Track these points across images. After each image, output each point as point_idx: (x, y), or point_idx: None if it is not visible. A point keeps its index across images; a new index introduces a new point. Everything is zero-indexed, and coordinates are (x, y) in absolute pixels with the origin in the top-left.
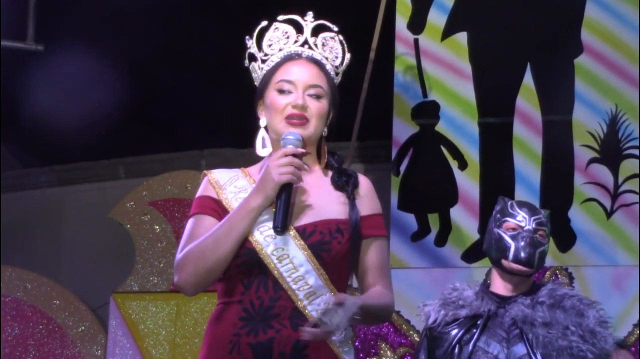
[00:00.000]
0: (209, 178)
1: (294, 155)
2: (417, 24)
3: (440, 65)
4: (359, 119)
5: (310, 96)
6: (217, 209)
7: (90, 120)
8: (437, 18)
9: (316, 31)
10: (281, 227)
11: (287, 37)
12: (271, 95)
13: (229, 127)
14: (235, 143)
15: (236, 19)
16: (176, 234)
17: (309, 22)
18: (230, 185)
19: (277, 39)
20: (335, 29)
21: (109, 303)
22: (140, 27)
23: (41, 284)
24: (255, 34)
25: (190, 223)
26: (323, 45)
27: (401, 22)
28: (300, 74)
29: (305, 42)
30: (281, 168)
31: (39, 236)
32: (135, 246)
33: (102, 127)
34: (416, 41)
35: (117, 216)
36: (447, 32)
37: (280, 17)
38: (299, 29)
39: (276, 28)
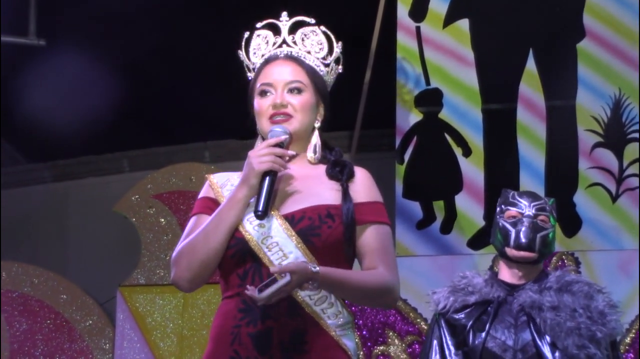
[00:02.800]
0: (209, 180)
1: (277, 144)
2: (418, 11)
3: (443, 53)
4: (362, 108)
5: (291, 91)
6: (213, 207)
7: (93, 114)
8: (438, 5)
9: (294, 28)
10: (262, 212)
11: (267, 42)
12: (256, 100)
13: (232, 119)
14: (239, 134)
15: (240, 11)
16: (182, 227)
17: (284, 21)
18: (227, 184)
19: (259, 46)
20: (313, 21)
21: (115, 296)
22: (144, 22)
23: (48, 279)
24: (242, 46)
25: (188, 223)
26: (302, 40)
27: (403, 10)
28: (278, 73)
29: (284, 41)
30: (261, 157)
31: (44, 231)
32: (140, 239)
33: (105, 121)
34: (418, 29)
35: (122, 210)
36: (449, 20)
37: (259, 24)
38: (277, 31)
39: (258, 35)
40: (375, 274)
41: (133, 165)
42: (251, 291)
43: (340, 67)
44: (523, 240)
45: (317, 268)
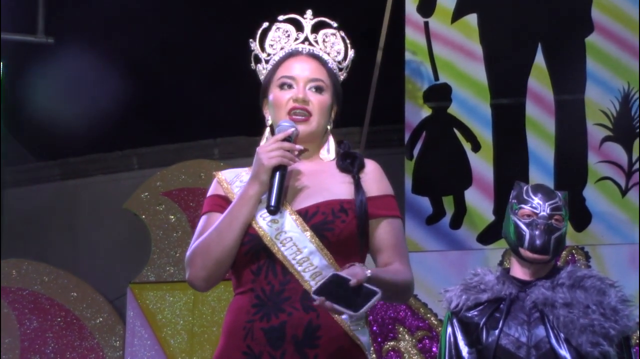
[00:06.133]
0: (218, 178)
1: (286, 139)
2: (426, 7)
3: (451, 48)
4: (371, 104)
5: (312, 89)
6: (224, 205)
7: (102, 112)
8: (446, 0)
9: (316, 28)
10: (274, 207)
11: (288, 36)
12: (274, 92)
13: (241, 116)
14: (248, 131)
15: (249, 8)
16: (191, 224)
17: (308, 19)
18: (237, 181)
19: (279, 39)
20: (335, 25)
21: (126, 293)
22: (153, 19)
23: (58, 276)
24: (257, 36)
25: (200, 222)
26: (324, 41)
27: (411, 6)
28: (301, 69)
29: (306, 39)
30: (270, 152)
31: (54, 229)
32: (150, 236)
33: (114, 118)
34: (426, 24)
35: (132, 207)
36: (457, 14)
37: (281, 17)
38: (299, 27)
39: (277, 28)
40: (399, 272)
41: (142, 162)
42: (319, 301)
43: (345, 74)
44: (538, 244)
45: (369, 272)
